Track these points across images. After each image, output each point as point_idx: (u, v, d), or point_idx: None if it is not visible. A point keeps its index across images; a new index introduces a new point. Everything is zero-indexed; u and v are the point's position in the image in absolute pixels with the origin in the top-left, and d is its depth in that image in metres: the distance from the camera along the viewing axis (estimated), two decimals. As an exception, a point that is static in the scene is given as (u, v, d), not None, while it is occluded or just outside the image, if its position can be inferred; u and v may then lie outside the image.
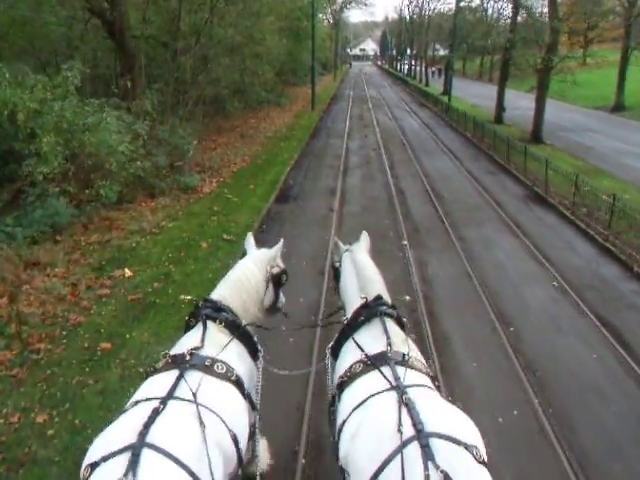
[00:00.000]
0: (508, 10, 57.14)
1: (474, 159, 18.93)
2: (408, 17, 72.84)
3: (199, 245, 9.85)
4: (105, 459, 2.35)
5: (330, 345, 3.66)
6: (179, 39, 17.22)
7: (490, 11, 58.54)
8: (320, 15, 48.44)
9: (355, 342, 3.31)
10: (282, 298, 4.12)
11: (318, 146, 21.21)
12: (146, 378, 3.05)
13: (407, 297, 7.97)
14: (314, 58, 32.85)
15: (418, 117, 30.97)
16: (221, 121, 24.09)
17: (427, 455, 2.32)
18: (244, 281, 3.72)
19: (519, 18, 26.54)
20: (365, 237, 4.22)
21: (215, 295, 3.60)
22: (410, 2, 71.38)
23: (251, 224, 11.11)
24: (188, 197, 12.99)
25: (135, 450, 2.35)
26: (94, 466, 2.36)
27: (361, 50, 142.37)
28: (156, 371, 3.05)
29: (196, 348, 3.12)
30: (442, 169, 17.13)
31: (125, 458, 2.33)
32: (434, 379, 3.14)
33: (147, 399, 2.72)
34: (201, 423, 2.63)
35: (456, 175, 16.42)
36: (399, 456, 2.36)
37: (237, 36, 21.21)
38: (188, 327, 3.50)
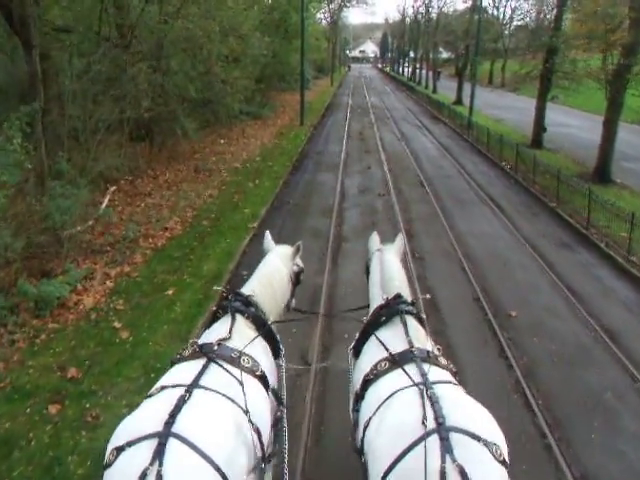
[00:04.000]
0: (526, 6, 51.78)
1: (529, 214, 12.87)
2: (413, 17, 66.96)
3: None
4: (130, 444, 2.31)
5: (352, 346, 3.67)
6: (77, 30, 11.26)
7: (502, 9, 52.99)
8: (313, 10, 42.37)
9: (379, 340, 3.28)
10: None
11: (300, 188, 14.98)
12: (172, 365, 2.99)
13: None
14: (304, 61, 26.69)
15: (433, 136, 24.85)
16: (183, 144, 17.74)
17: (445, 448, 2.29)
18: (273, 278, 3.79)
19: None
20: (400, 239, 4.27)
21: (246, 289, 3.62)
22: (415, 0, 65.52)
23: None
24: (43, 325, 6.94)
25: (161, 439, 2.29)
26: (120, 450, 2.31)
27: (361, 52, 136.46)
28: (183, 358, 2.98)
29: (224, 339, 3.09)
30: (488, 238, 11.05)
31: (151, 446, 2.27)
32: (456, 374, 3.12)
33: (173, 386, 2.65)
34: (225, 416, 2.60)
35: (514, 253, 10.29)
36: (418, 447, 2.35)
37: (197, 29, 15.32)
38: (215, 318, 3.47)
